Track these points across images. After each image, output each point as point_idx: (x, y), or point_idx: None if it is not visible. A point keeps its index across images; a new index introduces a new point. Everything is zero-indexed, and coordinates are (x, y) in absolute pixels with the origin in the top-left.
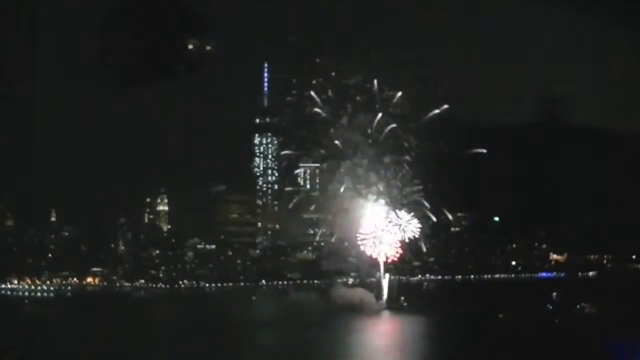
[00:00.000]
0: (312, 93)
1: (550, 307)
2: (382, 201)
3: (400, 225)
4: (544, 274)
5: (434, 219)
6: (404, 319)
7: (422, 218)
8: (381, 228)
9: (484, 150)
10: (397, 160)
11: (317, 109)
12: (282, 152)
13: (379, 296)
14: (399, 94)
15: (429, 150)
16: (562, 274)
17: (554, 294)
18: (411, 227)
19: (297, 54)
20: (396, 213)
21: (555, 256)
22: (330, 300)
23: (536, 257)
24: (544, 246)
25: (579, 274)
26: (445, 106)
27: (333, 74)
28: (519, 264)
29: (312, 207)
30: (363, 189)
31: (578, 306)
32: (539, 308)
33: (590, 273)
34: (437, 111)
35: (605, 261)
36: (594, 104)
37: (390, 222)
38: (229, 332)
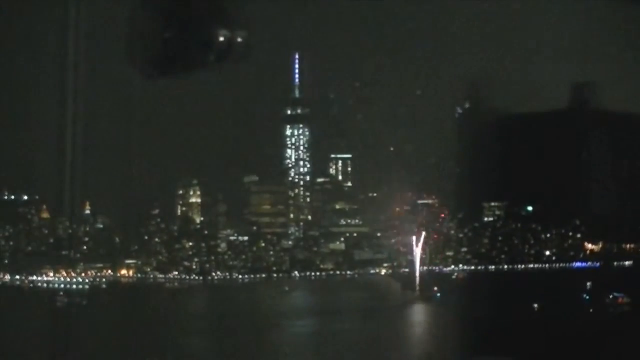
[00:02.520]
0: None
1: (587, 297)
2: (407, 189)
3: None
4: (578, 264)
5: (465, 207)
6: (436, 308)
7: (453, 207)
8: (409, 217)
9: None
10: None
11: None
12: (313, 143)
13: (406, 286)
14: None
15: (457, 138)
16: (597, 264)
17: (588, 283)
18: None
19: (326, 45)
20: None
21: (589, 245)
22: (360, 290)
23: (570, 246)
24: (578, 235)
25: (614, 263)
26: (467, 105)
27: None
28: (552, 254)
29: (344, 198)
30: (387, 178)
31: (610, 296)
32: (575, 298)
33: (627, 262)
34: (459, 110)
35: None
36: (628, 90)
37: (418, 211)
38: (263, 320)
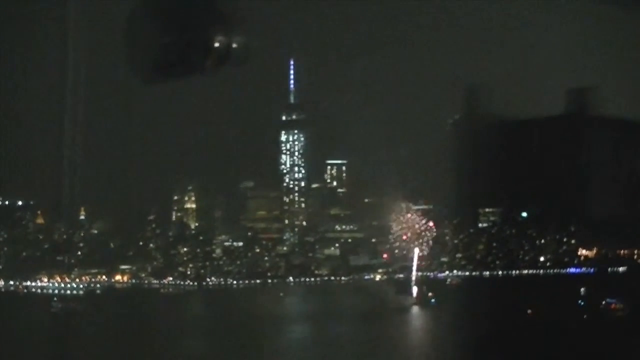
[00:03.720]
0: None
1: (581, 303)
2: (402, 195)
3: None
4: (573, 269)
5: (460, 213)
6: (431, 314)
7: (448, 213)
8: (404, 223)
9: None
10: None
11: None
12: (308, 149)
13: (401, 291)
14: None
15: (453, 144)
16: (592, 269)
17: (582, 289)
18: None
19: (323, 50)
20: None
21: (584, 251)
22: (356, 295)
23: (565, 252)
24: (573, 241)
25: (609, 269)
26: (462, 111)
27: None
28: (547, 259)
29: (339, 203)
30: (383, 184)
31: (603, 302)
32: (569, 303)
33: (621, 268)
34: (455, 116)
35: (635, 256)
36: (626, 95)
37: (413, 216)
38: (258, 326)
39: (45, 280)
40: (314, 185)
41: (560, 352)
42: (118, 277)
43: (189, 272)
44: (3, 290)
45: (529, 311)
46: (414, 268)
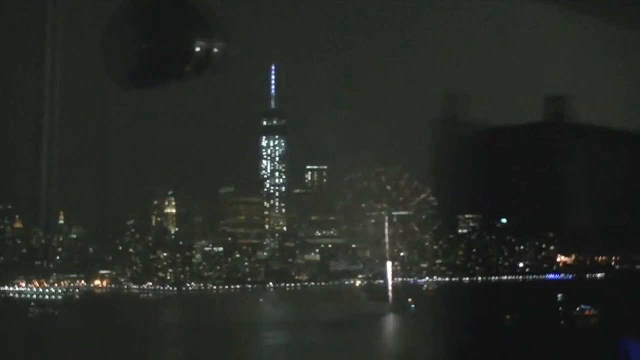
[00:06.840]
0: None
1: (559, 309)
2: (382, 201)
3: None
4: (551, 276)
5: (440, 219)
6: (409, 320)
7: (428, 219)
8: (384, 229)
9: None
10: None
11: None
12: (288, 155)
13: (380, 297)
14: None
15: (433, 150)
16: (570, 276)
17: (559, 295)
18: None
19: (304, 57)
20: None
21: (562, 258)
22: (335, 301)
23: (544, 258)
24: (552, 248)
25: (587, 275)
26: (443, 118)
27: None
28: (526, 266)
29: (319, 209)
30: (363, 190)
31: (578, 308)
32: (546, 310)
33: (598, 275)
34: (435, 123)
35: (612, 262)
36: (603, 103)
37: (393, 222)
38: (234, 333)
39: (23, 285)
40: (295, 191)
41: (537, 356)
42: (97, 282)
43: (168, 278)
44: None
45: (508, 317)
46: (390, 274)
